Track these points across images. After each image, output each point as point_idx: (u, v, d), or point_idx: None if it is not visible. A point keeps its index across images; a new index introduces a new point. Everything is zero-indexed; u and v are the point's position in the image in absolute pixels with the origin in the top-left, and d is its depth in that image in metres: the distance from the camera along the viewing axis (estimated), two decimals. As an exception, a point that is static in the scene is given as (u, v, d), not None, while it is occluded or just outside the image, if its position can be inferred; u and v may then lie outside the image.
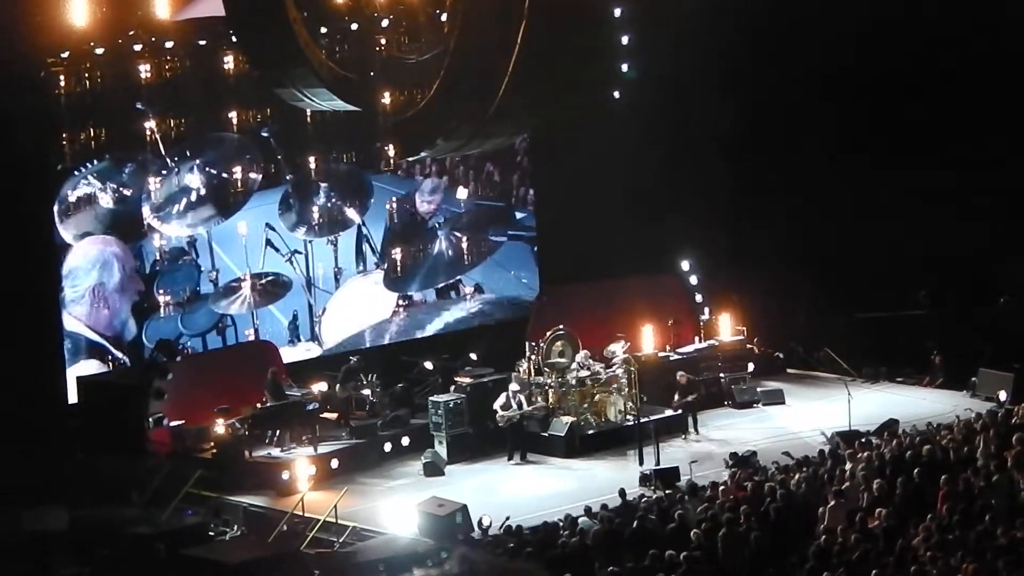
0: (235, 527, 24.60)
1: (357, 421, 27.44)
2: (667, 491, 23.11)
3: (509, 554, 20.12)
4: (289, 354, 30.18)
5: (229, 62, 29.84)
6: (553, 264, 33.54)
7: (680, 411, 27.59)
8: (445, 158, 32.05)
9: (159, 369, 26.47)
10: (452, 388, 27.86)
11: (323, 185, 31.46)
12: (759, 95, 31.72)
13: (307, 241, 31.29)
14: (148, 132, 29.22)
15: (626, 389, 27.66)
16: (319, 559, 22.11)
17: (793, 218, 31.76)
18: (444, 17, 27.11)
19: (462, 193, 33.21)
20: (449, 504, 22.86)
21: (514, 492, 25.30)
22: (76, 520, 23.35)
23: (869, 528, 19.10)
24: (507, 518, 22.08)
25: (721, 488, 21.94)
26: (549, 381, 27.68)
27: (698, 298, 32.27)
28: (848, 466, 21.88)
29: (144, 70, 28.90)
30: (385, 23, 28.71)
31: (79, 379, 27.52)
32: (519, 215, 34.04)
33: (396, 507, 23.67)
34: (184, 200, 29.75)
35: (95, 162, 28.83)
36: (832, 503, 20.16)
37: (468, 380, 27.87)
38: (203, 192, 29.94)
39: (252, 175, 30.56)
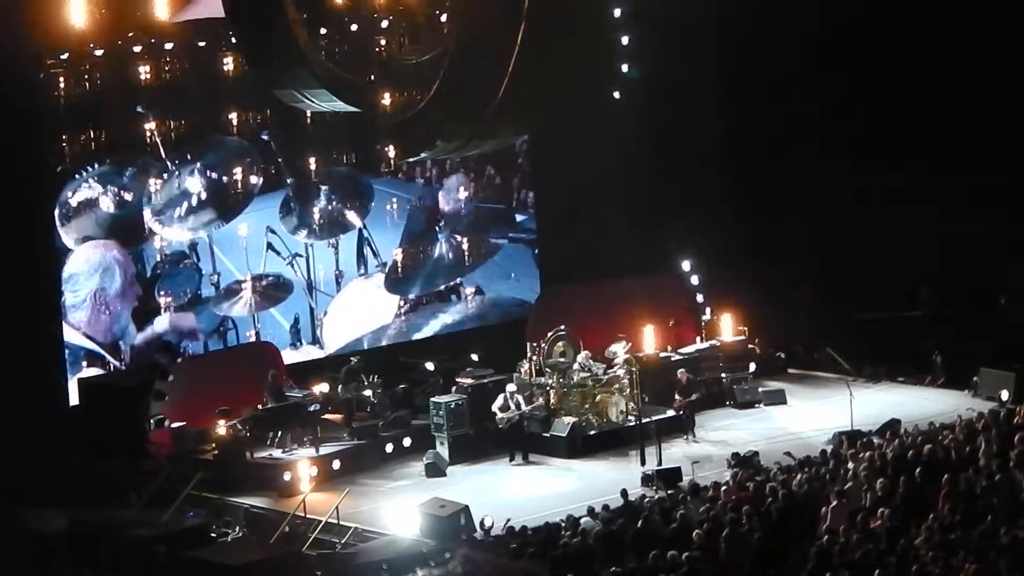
0: (236, 528, 24.57)
1: (359, 422, 27.43)
2: (669, 491, 23.10)
3: (511, 555, 20.10)
4: (291, 357, 30.17)
5: (229, 63, 29.84)
6: (554, 266, 33.53)
7: (682, 411, 27.54)
8: (445, 160, 32.05)
9: (160, 371, 26.52)
10: (453, 389, 27.85)
11: (324, 188, 31.45)
12: (759, 95, 31.70)
13: (308, 244, 31.29)
14: (148, 134, 29.23)
15: (627, 389, 27.63)
16: (321, 560, 22.10)
17: (794, 218, 31.74)
18: (444, 18, 27.16)
19: (462, 193, 33.24)
20: (451, 505, 22.85)
21: (516, 493, 25.27)
22: (76, 521, 23.34)
23: (871, 528, 19.08)
24: (508, 520, 22.07)
25: (723, 488, 21.89)
26: (550, 382, 27.67)
27: (699, 298, 32.24)
28: (850, 466, 21.86)
29: (144, 71, 28.92)
30: (385, 24, 28.74)
31: (80, 381, 27.56)
32: (519, 217, 34.03)
33: (398, 508, 23.65)
34: (185, 204, 29.75)
35: (96, 166, 28.83)
36: (834, 503, 20.13)
37: (469, 381, 27.86)
38: (204, 196, 29.94)
39: (252, 178, 30.56)
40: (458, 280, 33.24)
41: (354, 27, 28.50)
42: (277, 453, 26.56)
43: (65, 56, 28.01)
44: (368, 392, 27.90)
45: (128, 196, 29.15)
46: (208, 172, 29.99)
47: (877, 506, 19.80)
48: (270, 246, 30.77)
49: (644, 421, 26.56)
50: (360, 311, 31.79)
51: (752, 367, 30.25)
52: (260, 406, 26.96)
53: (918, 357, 30.19)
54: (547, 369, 27.91)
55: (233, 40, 28.76)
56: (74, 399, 27.48)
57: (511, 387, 27.09)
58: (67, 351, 27.96)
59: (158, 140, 29.34)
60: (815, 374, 31.16)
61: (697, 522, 20.08)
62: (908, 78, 31.46)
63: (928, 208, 30.53)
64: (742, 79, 31.56)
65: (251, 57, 28.26)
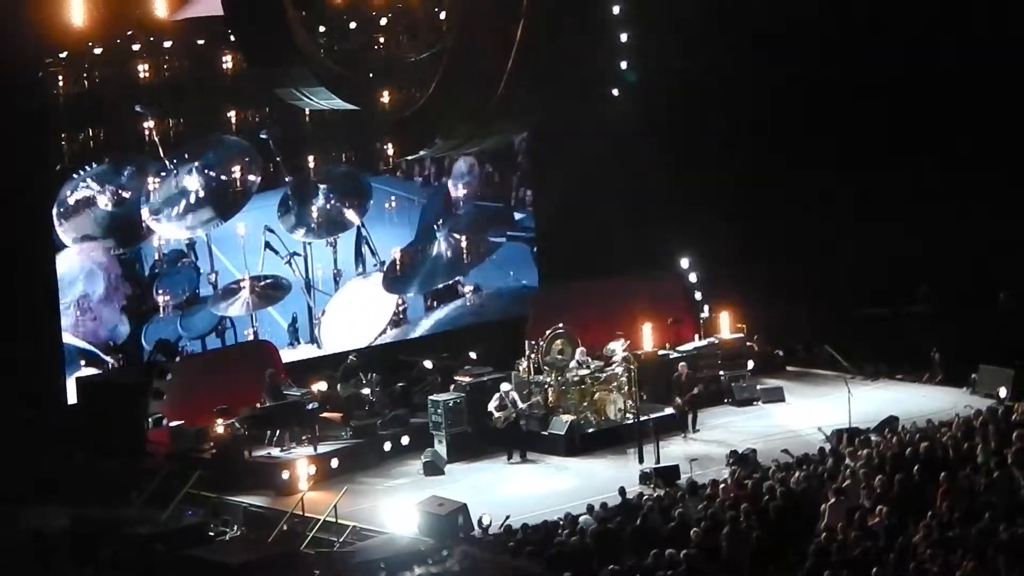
0: (235, 527, 24.56)
1: (357, 421, 27.43)
2: (667, 489, 23.11)
3: (510, 553, 20.11)
4: (289, 356, 30.15)
5: (227, 61, 29.84)
6: (552, 264, 33.53)
7: (687, 409, 27.57)
8: (444, 158, 32.05)
9: (158, 370, 26.52)
10: (451, 387, 27.85)
11: (322, 187, 31.45)
12: (758, 93, 31.69)
13: (306, 243, 31.28)
14: (147, 133, 29.23)
15: (626, 387, 27.64)
16: (319, 559, 22.09)
17: (793, 216, 31.74)
18: (443, 15, 27.15)
19: (461, 191, 33.24)
20: (449, 503, 22.83)
21: (514, 491, 25.26)
22: (76, 520, 23.34)
23: (869, 526, 19.08)
24: (507, 518, 22.07)
25: (721, 486, 21.90)
26: (549, 380, 27.67)
27: (698, 296, 32.24)
28: (849, 463, 21.86)
29: (142, 70, 28.92)
30: (384, 21, 28.72)
31: (78, 380, 27.57)
32: (518, 216, 34.03)
33: (396, 506, 23.65)
34: (183, 202, 29.75)
35: (94, 165, 28.82)
36: (832, 501, 20.11)
37: (467, 379, 27.86)
38: (202, 194, 29.94)
39: (251, 177, 30.56)
40: (457, 278, 33.26)
41: (353, 25, 28.48)
42: (275, 452, 26.56)
43: (64, 55, 28.00)
44: (366, 390, 27.91)
45: (126, 195, 29.15)
46: (206, 171, 29.99)
47: (875, 504, 19.81)
48: (268, 245, 30.77)
49: (642, 419, 26.55)
50: (358, 310, 31.78)
51: (750, 365, 30.26)
52: (258, 405, 26.96)
53: (918, 354, 30.18)
54: (545, 367, 27.91)
55: (232, 38, 28.73)
56: (72, 398, 27.48)
57: (505, 386, 27.09)
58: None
59: (156, 139, 29.33)
60: (814, 372, 31.16)
61: (695, 520, 20.09)
62: (908, 77, 31.45)
63: (927, 207, 30.53)
64: (742, 77, 31.54)
65: (250, 55, 28.23)
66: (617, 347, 28.54)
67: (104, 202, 28.87)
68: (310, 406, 26.80)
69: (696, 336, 31.00)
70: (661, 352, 29.84)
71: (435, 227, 32.79)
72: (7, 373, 25.74)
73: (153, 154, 29.30)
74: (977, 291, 31.01)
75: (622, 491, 22.52)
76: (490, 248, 33.66)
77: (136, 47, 28.83)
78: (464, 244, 33.24)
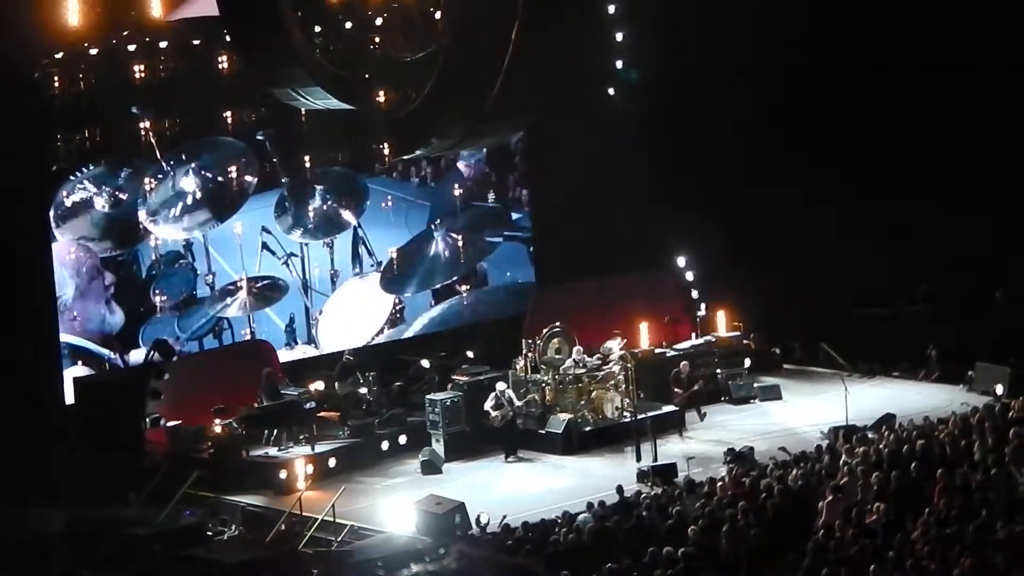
0: (233, 527, 24.54)
1: (354, 420, 27.44)
2: (665, 488, 23.12)
3: (507, 551, 20.11)
4: (286, 356, 30.15)
5: (223, 62, 29.85)
6: (549, 264, 33.53)
7: (688, 405, 27.59)
8: (440, 157, 32.04)
9: (156, 370, 26.49)
10: (449, 386, 27.86)
11: (318, 188, 31.45)
12: (756, 91, 31.69)
13: (303, 244, 31.28)
14: (143, 134, 29.21)
15: (623, 386, 27.66)
16: (317, 558, 22.09)
17: (790, 215, 31.73)
18: (438, 15, 27.12)
19: (458, 191, 33.24)
20: (447, 502, 22.85)
21: (511, 489, 25.27)
22: (74, 520, 23.32)
23: (867, 523, 19.09)
24: (504, 516, 22.07)
25: (719, 484, 21.92)
26: (546, 378, 27.68)
27: (694, 294, 32.26)
28: (846, 460, 21.87)
29: (138, 70, 28.91)
30: (379, 21, 28.70)
31: (76, 379, 27.54)
32: (515, 215, 34.03)
33: (394, 505, 23.68)
34: (180, 204, 29.75)
35: (91, 167, 28.82)
36: (830, 498, 20.12)
37: (464, 378, 27.86)
38: (199, 195, 29.94)
39: (247, 178, 30.56)
40: (453, 278, 33.26)
41: (348, 24, 28.47)
42: (273, 451, 26.57)
43: (59, 55, 27.99)
44: (364, 389, 27.92)
45: (123, 196, 29.15)
46: (203, 172, 29.99)
47: (873, 501, 19.83)
48: (265, 246, 30.77)
49: (639, 417, 26.57)
50: (355, 311, 31.78)
51: (747, 363, 30.27)
52: (256, 404, 26.97)
53: (914, 352, 30.20)
54: (542, 366, 27.92)
55: (228, 39, 28.73)
56: (69, 398, 27.45)
57: (501, 385, 27.10)
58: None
59: (153, 140, 29.33)
60: (810, 370, 31.18)
61: (693, 518, 20.11)
62: (908, 77, 31.45)
63: (927, 206, 30.55)
64: (739, 75, 31.53)
65: (246, 56, 28.23)
66: (614, 346, 28.55)
67: (101, 204, 28.88)
68: (307, 405, 26.81)
69: (693, 334, 31.03)
70: (658, 350, 29.88)
71: (432, 227, 32.78)
72: (4, 373, 25.72)
73: (149, 155, 29.28)
74: (976, 291, 31.04)
75: (620, 489, 22.52)
76: (487, 248, 33.65)
77: (132, 48, 28.81)
78: (461, 244, 33.23)
